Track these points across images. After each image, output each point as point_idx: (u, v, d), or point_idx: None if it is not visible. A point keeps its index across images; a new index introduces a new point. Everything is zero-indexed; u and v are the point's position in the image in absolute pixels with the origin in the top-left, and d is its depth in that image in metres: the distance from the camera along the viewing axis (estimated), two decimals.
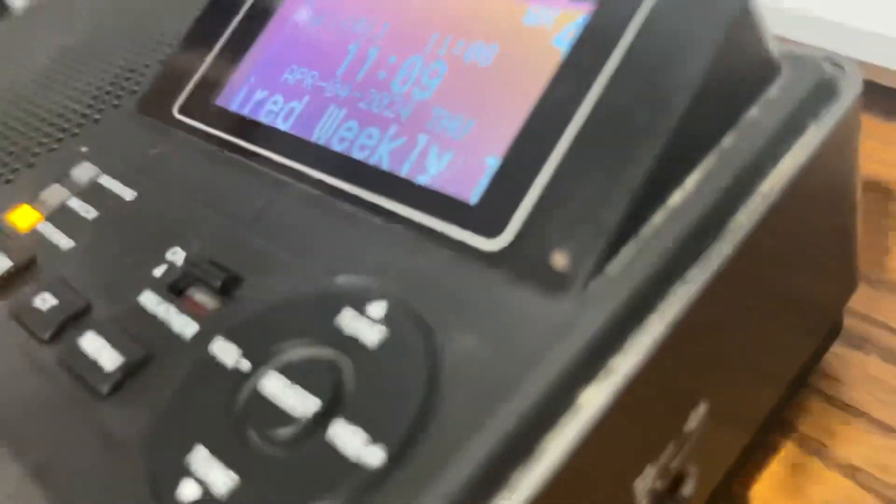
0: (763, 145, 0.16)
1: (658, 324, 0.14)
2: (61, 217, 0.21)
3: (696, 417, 0.16)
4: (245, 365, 0.15)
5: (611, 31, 0.16)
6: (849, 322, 0.22)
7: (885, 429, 0.20)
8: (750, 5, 0.15)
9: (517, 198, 0.16)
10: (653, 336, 0.14)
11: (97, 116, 0.25)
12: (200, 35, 0.24)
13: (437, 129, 0.18)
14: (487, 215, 0.16)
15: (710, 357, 0.16)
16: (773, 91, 0.16)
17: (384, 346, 0.15)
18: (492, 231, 0.16)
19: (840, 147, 0.17)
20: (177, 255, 0.18)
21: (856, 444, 0.20)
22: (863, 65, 0.17)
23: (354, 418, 0.14)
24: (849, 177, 0.18)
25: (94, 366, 0.17)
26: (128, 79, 0.26)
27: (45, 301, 0.18)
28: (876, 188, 0.26)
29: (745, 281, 0.16)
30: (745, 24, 0.15)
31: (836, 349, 0.22)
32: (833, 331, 0.21)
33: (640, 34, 0.16)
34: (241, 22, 0.23)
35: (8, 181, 0.23)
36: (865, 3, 0.25)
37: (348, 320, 0.15)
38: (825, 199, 0.17)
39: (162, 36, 0.27)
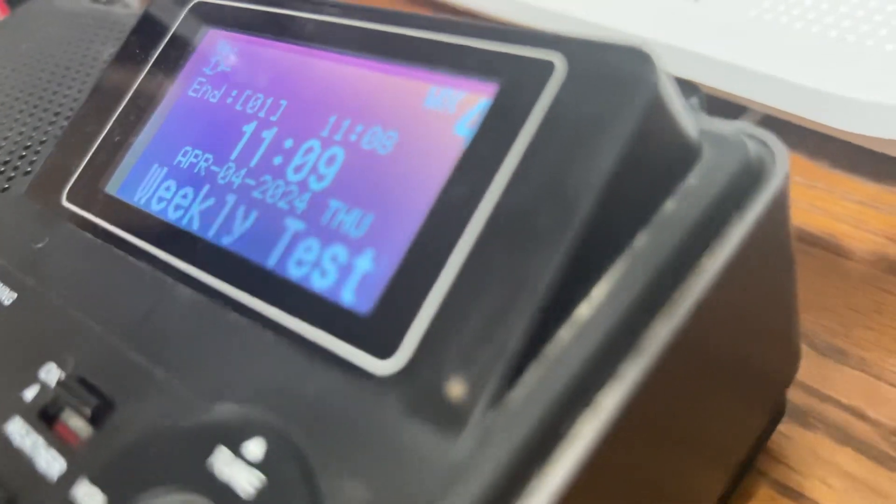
0: (680, 244, 0.14)
1: (567, 460, 0.12)
2: None
3: None
4: None
5: (513, 119, 0.15)
6: (796, 396, 0.21)
7: None
8: (660, 89, 0.14)
9: (412, 311, 0.14)
10: (561, 476, 0.12)
11: None
12: (92, 110, 0.22)
13: (332, 225, 0.16)
14: (381, 331, 0.14)
15: (636, 474, 0.15)
16: (693, 179, 0.15)
17: (260, 496, 0.13)
18: (385, 351, 0.14)
19: (769, 234, 0.15)
20: (50, 374, 0.17)
21: None
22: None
23: None
24: (782, 263, 0.16)
25: None
26: (21, 157, 0.24)
27: None
28: (822, 244, 0.24)
29: (670, 390, 0.14)
30: (656, 108, 0.14)
31: (784, 428, 0.20)
32: (778, 410, 0.20)
33: (543, 122, 0.14)
34: (134, 94, 0.22)
35: None
36: (806, 57, 0.24)
37: (222, 464, 0.13)
38: (757, 291, 0.16)
39: (61, 105, 0.26)
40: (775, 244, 0.16)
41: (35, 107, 0.26)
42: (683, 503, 0.17)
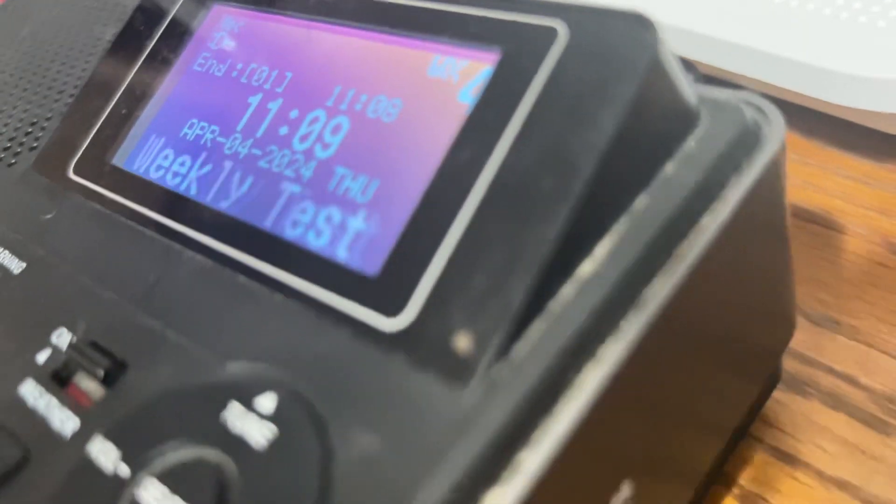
0: (679, 205, 0.14)
1: (570, 410, 0.13)
2: None
3: (619, 500, 0.15)
4: (124, 470, 0.14)
5: (515, 86, 0.15)
6: (790, 365, 0.21)
7: (831, 482, 0.19)
8: (660, 56, 0.14)
9: (419, 271, 0.14)
10: (563, 426, 0.13)
11: None
12: (98, 86, 0.22)
13: (338, 192, 0.17)
14: (388, 290, 0.15)
15: (635, 431, 0.15)
16: (691, 143, 0.15)
17: (273, 447, 0.13)
18: (392, 309, 0.14)
19: (765, 199, 0.16)
20: (62, 338, 0.17)
21: (800, 500, 0.19)
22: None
23: None
24: (777, 228, 0.17)
25: None
26: (27, 133, 0.24)
27: None
28: (816, 219, 0.25)
29: (669, 348, 0.15)
30: (654, 76, 0.14)
31: (779, 395, 0.21)
32: (773, 377, 0.20)
33: (546, 88, 0.15)
34: (140, 69, 0.22)
35: None
36: (800, 33, 0.24)
37: (235, 417, 0.14)
38: (752, 257, 0.16)
39: (64, 84, 0.26)
40: (771, 209, 0.16)
41: (39, 85, 0.26)
42: (679, 465, 0.18)
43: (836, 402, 0.21)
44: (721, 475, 0.20)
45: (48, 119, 0.25)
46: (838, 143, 0.27)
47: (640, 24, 0.14)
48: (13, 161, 0.23)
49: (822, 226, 0.25)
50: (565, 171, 0.14)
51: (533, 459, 0.12)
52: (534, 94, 0.15)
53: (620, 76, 0.14)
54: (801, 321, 0.22)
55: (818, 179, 0.26)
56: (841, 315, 0.22)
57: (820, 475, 0.19)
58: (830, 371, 0.21)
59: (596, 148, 0.14)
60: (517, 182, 0.14)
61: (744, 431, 0.20)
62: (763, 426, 0.21)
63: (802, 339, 0.22)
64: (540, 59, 0.15)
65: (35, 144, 0.24)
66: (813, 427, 0.20)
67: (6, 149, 0.24)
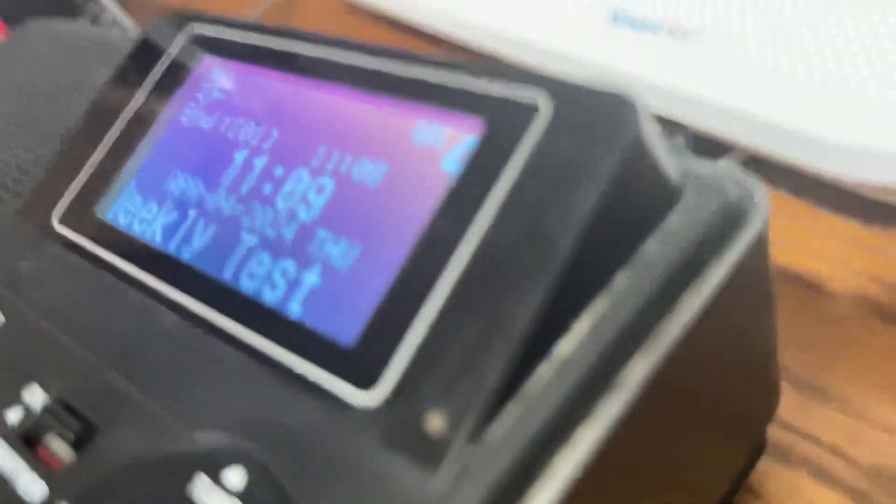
0: (660, 282, 0.14)
1: (543, 498, 0.13)
2: None
3: None
4: None
5: (498, 157, 0.15)
6: (776, 433, 0.21)
7: None
8: (642, 134, 0.14)
9: (394, 343, 0.14)
10: None
11: None
12: (85, 134, 0.22)
13: (320, 255, 0.16)
14: (363, 362, 0.14)
15: None
16: (673, 219, 0.15)
17: None
18: (366, 381, 0.14)
19: (749, 275, 0.16)
20: (35, 396, 0.17)
21: None
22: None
23: None
24: (762, 303, 0.17)
25: None
26: (15, 179, 0.24)
27: None
28: (803, 282, 0.25)
29: (649, 426, 0.15)
30: (635, 155, 0.14)
31: (764, 465, 0.21)
32: (758, 447, 0.20)
33: (528, 162, 0.15)
34: (127, 119, 0.22)
35: None
36: (791, 99, 0.24)
37: (201, 491, 0.14)
38: (736, 331, 0.16)
39: (56, 127, 0.26)
40: (755, 285, 0.16)
41: (30, 128, 0.26)
42: None
43: (821, 476, 0.20)
44: None
45: (36, 164, 0.24)
46: (827, 204, 0.26)
47: (622, 103, 0.14)
48: None
49: (810, 289, 0.24)
50: (544, 246, 0.14)
51: None
52: (516, 167, 0.15)
53: (601, 155, 0.14)
54: (787, 387, 0.21)
55: (806, 241, 0.26)
56: (828, 382, 0.22)
57: None
58: (817, 442, 0.21)
59: (576, 224, 0.14)
60: (496, 257, 0.14)
61: (729, 502, 0.20)
62: (749, 496, 0.20)
63: (788, 406, 0.22)
64: (521, 132, 0.15)
65: (21, 190, 0.23)
66: (798, 498, 0.20)
67: None
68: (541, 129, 0.15)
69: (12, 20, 0.37)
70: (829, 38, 0.24)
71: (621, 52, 0.27)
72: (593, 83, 0.15)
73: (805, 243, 0.26)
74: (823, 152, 0.22)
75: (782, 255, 0.25)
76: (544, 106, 0.15)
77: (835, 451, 0.21)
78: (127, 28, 0.38)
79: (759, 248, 0.16)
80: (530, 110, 0.15)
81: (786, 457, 0.21)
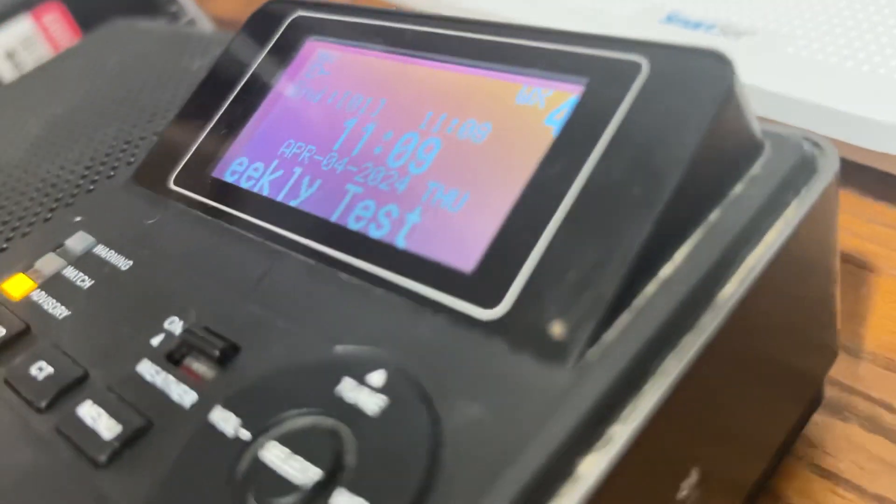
0: (748, 220, 0.16)
1: (654, 392, 0.14)
2: (56, 286, 0.21)
3: (688, 486, 0.16)
4: (245, 434, 0.15)
5: (601, 112, 0.17)
6: (830, 391, 0.23)
7: (870, 498, 0.20)
8: (735, 88, 0.16)
9: (514, 269, 0.16)
10: (649, 404, 0.14)
11: (91, 187, 0.25)
12: (197, 108, 0.24)
13: (431, 202, 0.18)
14: (484, 285, 0.16)
15: (702, 424, 0.16)
16: (757, 168, 0.17)
17: (385, 414, 0.15)
18: (489, 301, 0.16)
19: (820, 221, 0.18)
20: (174, 325, 0.19)
21: None
22: (841, 144, 0.18)
23: (356, 488, 0.14)
24: (829, 249, 0.18)
25: (92, 434, 0.17)
26: (123, 150, 0.26)
27: (40, 370, 0.18)
28: (852, 261, 0.26)
29: (733, 350, 0.16)
30: (730, 105, 0.16)
31: (819, 418, 0.22)
32: (815, 399, 0.22)
33: (630, 114, 0.17)
34: (237, 97, 0.24)
35: (2, 250, 0.24)
36: (841, 86, 0.26)
37: (348, 389, 0.15)
38: (807, 271, 0.18)
39: (156, 108, 0.28)
40: (825, 230, 0.18)
41: (131, 109, 0.28)
42: (733, 471, 0.19)
43: (873, 426, 0.22)
44: (767, 489, 0.21)
45: (142, 139, 0.27)
46: (871, 193, 0.28)
47: (718, 60, 0.16)
48: (111, 174, 0.25)
49: (858, 266, 0.26)
50: (652, 181, 0.16)
51: (623, 433, 0.14)
52: (620, 116, 0.17)
53: (702, 103, 0.16)
54: (841, 352, 0.23)
55: (853, 226, 0.28)
56: (877, 348, 0.24)
57: (860, 491, 0.21)
58: (867, 397, 0.23)
59: (680, 161, 0.16)
60: (606, 191, 0.16)
61: (788, 449, 0.22)
62: (805, 446, 0.22)
63: (842, 369, 0.23)
64: (625, 88, 0.17)
65: (131, 160, 0.26)
66: (852, 447, 0.22)
67: (104, 163, 0.26)
68: (643, 84, 0.17)
69: (93, 20, 0.39)
70: (874, 34, 0.26)
71: None
72: (689, 45, 0.17)
73: (851, 227, 0.28)
74: (871, 131, 0.24)
75: None
76: (644, 65, 0.17)
77: (884, 405, 0.22)
78: (204, 25, 0.41)
79: (830, 195, 0.17)
80: (633, 67, 0.17)
81: (839, 411, 0.23)
